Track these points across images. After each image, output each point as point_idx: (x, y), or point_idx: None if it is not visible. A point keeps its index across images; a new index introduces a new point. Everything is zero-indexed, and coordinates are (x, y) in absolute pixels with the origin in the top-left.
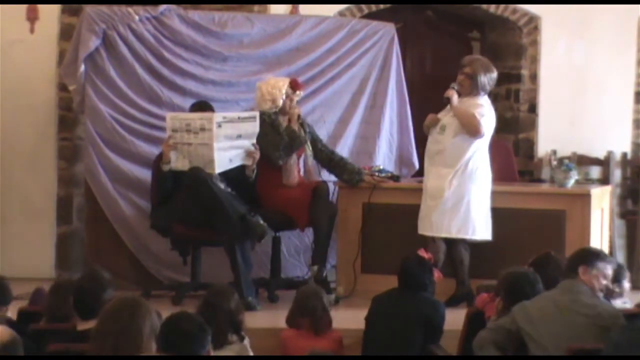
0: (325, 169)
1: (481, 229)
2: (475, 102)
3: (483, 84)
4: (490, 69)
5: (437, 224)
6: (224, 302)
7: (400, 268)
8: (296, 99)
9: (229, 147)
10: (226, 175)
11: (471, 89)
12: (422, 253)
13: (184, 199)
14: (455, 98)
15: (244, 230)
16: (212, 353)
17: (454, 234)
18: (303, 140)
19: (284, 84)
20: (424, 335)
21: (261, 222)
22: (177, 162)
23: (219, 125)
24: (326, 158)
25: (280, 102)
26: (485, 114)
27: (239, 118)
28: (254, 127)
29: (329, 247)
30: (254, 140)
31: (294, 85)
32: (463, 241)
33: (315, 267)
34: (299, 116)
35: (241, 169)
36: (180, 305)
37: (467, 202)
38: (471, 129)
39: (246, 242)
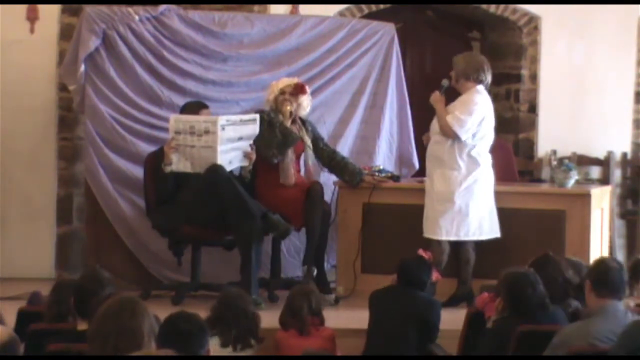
0: (326, 168)
1: (487, 228)
2: (464, 99)
3: (465, 72)
4: (472, 57)
5: (446, 228)
6: (245, 306)
7: (399, 266)
8: (297, 102)
9: (230, 149)
10: None
11: (457, 80)
12: (422, 253)
13: (195, 198)
14: (436, 101)
15: (265, 228)
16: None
17: (462, 236)
18: (296, 137)
19: (281, 84)
20: (419, 334)
21: (282, 220)
22: (179, 164)
23: (223, 128)
24: (327, 157)
25: (272, 101)
26: (472, 113)
27: (240, 120)
28: (254, 129)
29: (326, 247)
30: (251, 141)
31: (297, 90)
32: (470, 241)
33: (305, 267)
34: (291, 113)
35: (238, 169)
36: (181, 305)
37: (475, 204)
38: (444, 133)
39: (262, 241)
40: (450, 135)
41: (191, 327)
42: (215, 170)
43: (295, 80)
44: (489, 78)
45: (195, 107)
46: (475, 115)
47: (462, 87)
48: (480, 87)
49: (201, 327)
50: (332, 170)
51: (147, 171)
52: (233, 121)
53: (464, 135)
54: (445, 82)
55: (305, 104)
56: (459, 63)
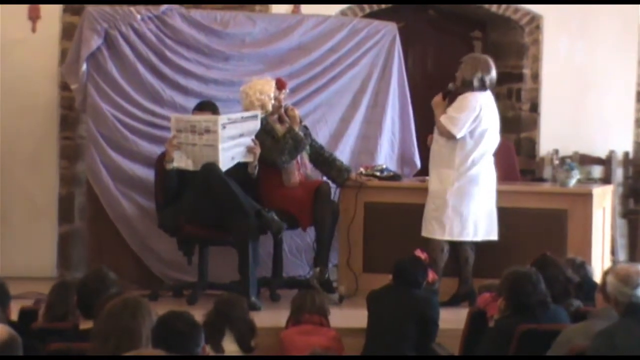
0: (312, 164)
1: (483, 229)
2: (460, 99)
3: (468, 81)
4: (479, 66)
5: (440, 227)
6: (241, 310)
7: (394, 266)
8: (283, 97)
9: (231, 146)
10: (229, 174)
11: (461, 86)
12: (419, 253)
13: (194, 197)
14: (436, 105)
15: (260, 226)
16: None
17: (456, 236)
18: (306, 142)
19: (270, 88)
20: (419, 332)
21: (276, 218)
22: (181, 161)
23: (224, 127)
24: (314, 153)
25: (270, 107)
26: (463, 110)
27: (242, 118)
28: (255, 125)
29: (331, 248)
30: (253, 136)
31: (279, 86)
32: (468, 240)
33: (318, 269)
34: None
35: (243, 167)
36: (183, 305)
37: (470, 204)
38: (441, 134)
39: (258, 240)
40: (446, 134)
41: (185, 326)
42: (209, 169)
43: (270, 81)
44: (488, 79)
45: (205, 107)
46: (467, 112)
47: (463, 91)
48: (477, 92)
49: (195, 326)
50: (318, 166)
51: (157, 171)
52: (234, 119)
53: (458, 132)
54: (451, 86)
55: (284, 97)
56: (460, 68)
